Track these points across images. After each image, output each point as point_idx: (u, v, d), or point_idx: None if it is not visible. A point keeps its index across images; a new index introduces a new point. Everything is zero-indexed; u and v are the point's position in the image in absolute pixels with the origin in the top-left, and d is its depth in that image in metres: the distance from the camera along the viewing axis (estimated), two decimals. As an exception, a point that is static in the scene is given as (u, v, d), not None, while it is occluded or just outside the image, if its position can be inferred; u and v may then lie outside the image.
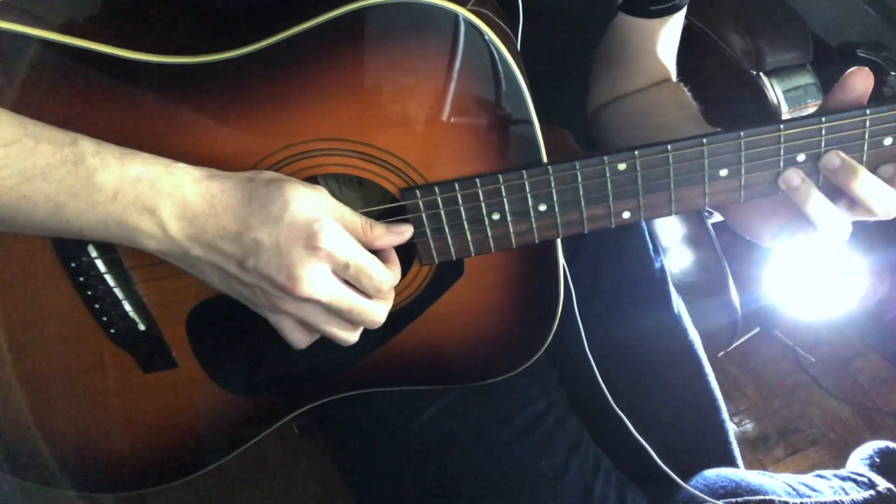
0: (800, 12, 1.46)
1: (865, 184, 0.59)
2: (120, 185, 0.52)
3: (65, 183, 0.51)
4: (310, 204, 0.55)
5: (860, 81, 0.60)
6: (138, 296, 0.65)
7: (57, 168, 0.51)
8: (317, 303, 0.57)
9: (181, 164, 0.55)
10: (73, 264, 0.63)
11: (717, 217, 1.38)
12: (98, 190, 0.52)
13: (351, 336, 0.62)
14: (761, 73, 1.42)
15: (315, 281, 0.55)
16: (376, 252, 0.60)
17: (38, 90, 0.55)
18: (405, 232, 0.61)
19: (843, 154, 0.60)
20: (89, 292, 0.64)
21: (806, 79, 1.44)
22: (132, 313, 0.66)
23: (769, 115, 1.40)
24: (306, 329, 0.61)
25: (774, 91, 1.42)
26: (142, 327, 0.67)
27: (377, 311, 0.61)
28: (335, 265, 0.57)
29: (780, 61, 1.42)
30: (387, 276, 0.60)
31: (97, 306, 0.65)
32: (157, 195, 0.53)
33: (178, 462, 0.78)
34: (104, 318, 0.66)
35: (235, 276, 0.56)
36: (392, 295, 0.63)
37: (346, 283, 0.58)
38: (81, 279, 0.63)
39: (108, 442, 0.75)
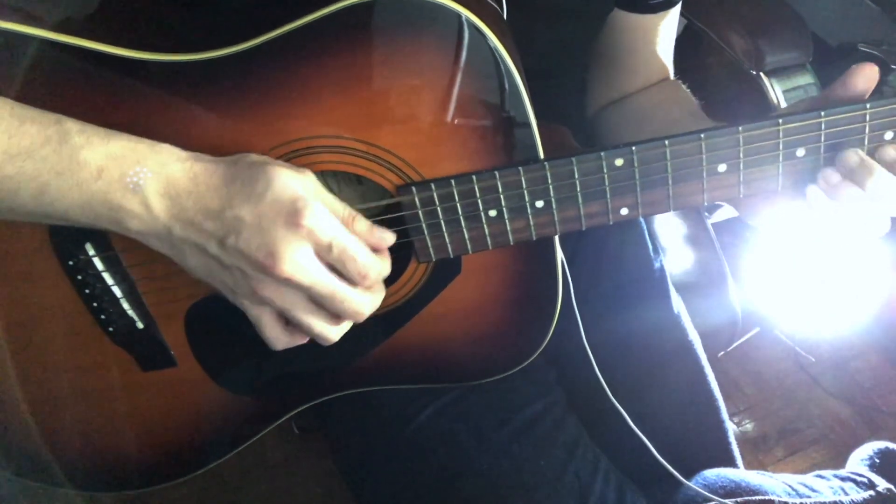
0: (800, 12, 1.46)
1: (880, 181, 0.59)
2: (104, 163, 0.52)
3: (49, 161, 0.51)
4: (294, 184, 0.54)
5: (865, 78, 0.59)
6: (136, 294, 0.65)
7: (41, 147, 0.50)
8: (297, 286, 0.55)
9: (165, 144, 0.54)
10: (70, 262, 0.63)
11: (716, 217, 1.38)
12: (82, 168, 0.51)
13: (332, 331, 0.59)
14: (761, 73, 1.42)
15: (296, 260, 0.54)
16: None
17: (37, 90, 0.55)
18: (386, 238, 0.59)
19: (861, 153, 0.59)
20: (87, 290, 0.64)
21: (806, 78, 1.44)
22: (130, 311, 0.66)
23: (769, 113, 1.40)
24: (286, 325, 0.59)
25: (774, 91, 1.42)
26: (140, 326, 0.67)
27: (361, 301, 0.58)
28: (317, 245, 0.55)
29: (780, 61, 1.42)
30: (373, 262, 0.58)
31: (95, 304, 0.65)
32: (141, 173, 0.52)
33: (178, 461, 0.78)
34: (102, 317, 0.66)
35: (215, 256, 0.55)
36: (381, 288, 0.61)
37: (331, 268, 0.56)
38: (79, 277, 0.63)
39: (107, 441, 0.74)
